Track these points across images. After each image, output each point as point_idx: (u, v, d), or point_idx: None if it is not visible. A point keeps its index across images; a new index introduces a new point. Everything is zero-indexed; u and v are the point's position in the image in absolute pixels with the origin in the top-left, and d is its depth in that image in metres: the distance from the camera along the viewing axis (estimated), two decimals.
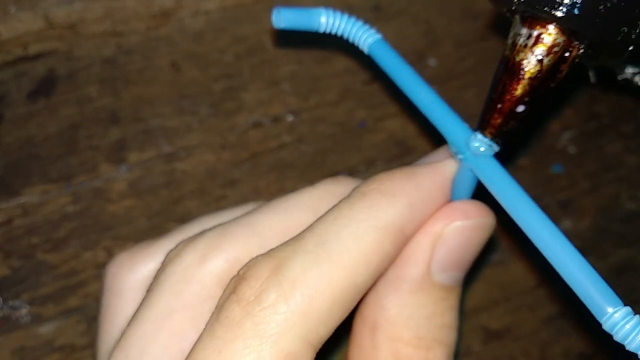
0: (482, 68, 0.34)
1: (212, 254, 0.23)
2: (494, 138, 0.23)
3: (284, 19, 0.26)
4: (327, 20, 0.26)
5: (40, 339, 0.30)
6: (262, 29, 0.33)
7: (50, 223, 0.30)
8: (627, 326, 0.20)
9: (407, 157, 0.33)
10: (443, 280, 0.24)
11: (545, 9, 0.21)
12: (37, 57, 0.31)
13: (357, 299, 0.22)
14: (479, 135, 0.23)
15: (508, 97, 0.23)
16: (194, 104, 0.32)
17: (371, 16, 0.33)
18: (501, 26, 0.35)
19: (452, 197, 0.24)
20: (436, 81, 0.34)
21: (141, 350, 0.22)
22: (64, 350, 0.30)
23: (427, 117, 0.25)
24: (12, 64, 0.30)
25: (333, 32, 0.26)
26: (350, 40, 0.26)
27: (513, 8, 0.22)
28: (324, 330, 0.21)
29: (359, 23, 0.26)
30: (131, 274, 0.26)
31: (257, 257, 0.22)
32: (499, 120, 0.23)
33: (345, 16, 0.26)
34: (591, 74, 0.26)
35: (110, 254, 0.30)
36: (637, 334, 0.19)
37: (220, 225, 0.24)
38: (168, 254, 0.24)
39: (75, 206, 0.30)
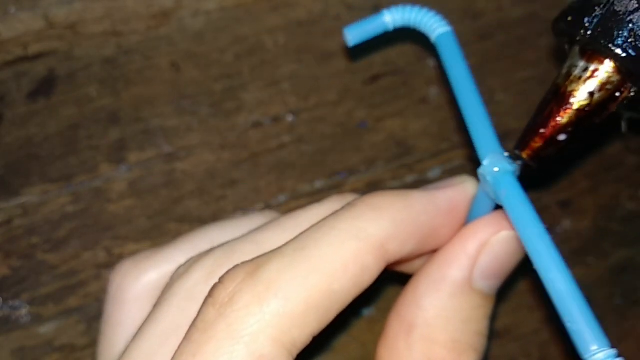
0: (482, 68, 0.34)
1: (220, 271, 0.23)
2: (530, 161, 0.24)
3: (353, 35, 0.27)
4: (393, 18, 0.27)
5: (40, 339, 0.30)
6: (262, 29, 0.33)
7: (50, 223, 0.30)
8: None
9: (407, 157, 0.33)
10: (482, 288, 0.24)
11: (609, 45, 0.22)
12: (37, 57, 0.31)
13: (336, 308, 0.21)
14: (507, 157, 0.23)
15: (553, 123, 0.23)
16: (194, 104, 0.32)
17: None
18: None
19: (473, 214, 0.25)
20: (436, 81, 0.34)
21: None
22: (64, 350, 0.30)
23: (465, 121, 0.25)
24: (12, 64, 0.30)
25: (403, 25, 0.27)
26: (419, 29, 0.27)
27: (577, 39, 0.23)
28: (299, 334, 0.21)
29: (426, 12, 0.27)
30: (136, 283, 0.26)
31: (238, 264, 0.22)
32: (538, 144, 0.23)
33: (407, 9, 0.27)
34: (623, 124, 0.26)
35: (110, 254, 0.30)
36: None
37: (228, 242, 0.24)
38: (177, 270, 0.24)
39: (75, 206, 0.30)
